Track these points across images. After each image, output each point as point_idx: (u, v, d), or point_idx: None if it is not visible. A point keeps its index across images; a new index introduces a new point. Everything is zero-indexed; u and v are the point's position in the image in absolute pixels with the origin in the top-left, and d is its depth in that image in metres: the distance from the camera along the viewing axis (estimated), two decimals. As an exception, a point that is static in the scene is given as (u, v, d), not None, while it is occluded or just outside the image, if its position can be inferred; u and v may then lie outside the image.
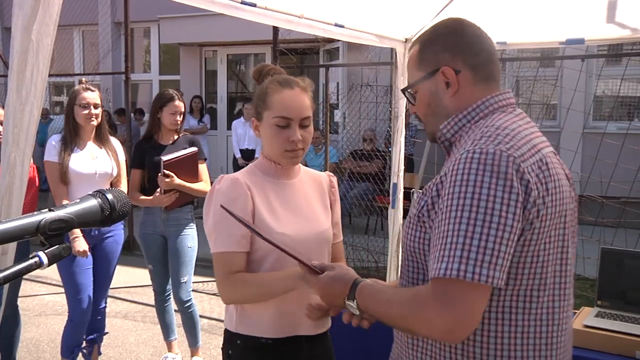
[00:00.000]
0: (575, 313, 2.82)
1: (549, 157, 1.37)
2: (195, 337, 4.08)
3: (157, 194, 3.71)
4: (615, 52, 7.60)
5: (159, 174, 3.63)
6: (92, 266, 3.61)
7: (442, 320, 1.24)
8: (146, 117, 10.94)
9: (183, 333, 4.10)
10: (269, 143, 1.90)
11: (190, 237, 3.89)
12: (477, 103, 1.46)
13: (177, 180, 3.66)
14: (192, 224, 3.93)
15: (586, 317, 2.54)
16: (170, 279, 3.93)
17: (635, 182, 4.36)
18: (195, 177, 3.80)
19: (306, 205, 1.97)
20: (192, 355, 4.15)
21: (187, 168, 3.73)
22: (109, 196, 1.05)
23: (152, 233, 3.87)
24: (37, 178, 3.59)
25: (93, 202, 1.03)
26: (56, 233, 0.98)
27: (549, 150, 1.41)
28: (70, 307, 3.60)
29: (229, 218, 1.65)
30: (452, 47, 1.47)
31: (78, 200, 1.03)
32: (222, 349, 1.98)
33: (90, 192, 1.04)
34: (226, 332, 1.94)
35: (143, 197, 3.81)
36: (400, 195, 4.65)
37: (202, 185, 3.84)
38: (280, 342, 1.88)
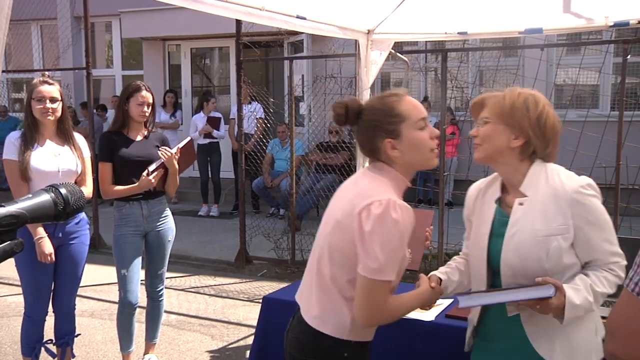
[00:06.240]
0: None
1: None
2: (156, 329, 4.02)
3: (144, 177, 3.57)
4: (573, 42, 7.75)
5: (144, 174, 3.57)
6: (53, 263, 3.44)
7: None
8: (109, 113, 10.75)
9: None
10: (418, 149, 1.92)
11: (170, 230, 3.84)
12: None
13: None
14: (168, 212, 3.85)
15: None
16: (145, 278, 3.85)
17: (595, 168, 4.46)
18: (191, 161, 4.14)
19: None
20: (147, 350, 4.04)
21: (186, 156, 3.93)
22: (63, 190, 1.03)
23: (132, 233, 3.67)
24: None
25: (46, 197, 1.01)
26: (7, 229, 0.95)
27: None
28: (27, 303, 3.49)
29: (401, 247, 1.79)
30: None
31: (30, 195, 1.00)
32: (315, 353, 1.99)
33: (43, 187, 1.01)
34: (330, 338, 1.94)
35: (120, 187, 3.61)
36: (366, 186, 4.66)
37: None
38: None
